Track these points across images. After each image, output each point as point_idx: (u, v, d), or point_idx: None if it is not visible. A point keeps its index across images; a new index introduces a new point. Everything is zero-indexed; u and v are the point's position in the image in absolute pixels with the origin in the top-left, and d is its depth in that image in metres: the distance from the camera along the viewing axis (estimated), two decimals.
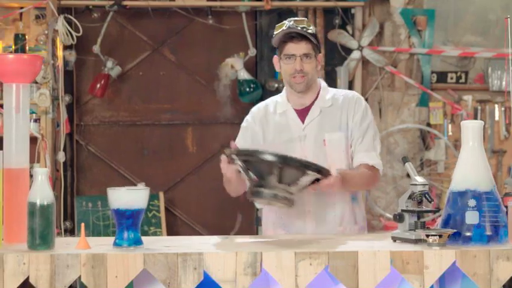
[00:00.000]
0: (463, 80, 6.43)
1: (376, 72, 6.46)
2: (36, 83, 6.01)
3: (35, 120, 6.04)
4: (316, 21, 6.50)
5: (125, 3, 6.27)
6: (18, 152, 2.74)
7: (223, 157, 3.03)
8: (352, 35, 6.38)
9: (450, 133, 6.34)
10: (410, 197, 2.77)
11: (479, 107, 6.38)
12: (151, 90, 6.71)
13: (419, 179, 2.77)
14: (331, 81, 6.37)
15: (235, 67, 6.31)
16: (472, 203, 2.66)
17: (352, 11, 6.43)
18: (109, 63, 6.39)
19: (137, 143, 6.76)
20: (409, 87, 6.41)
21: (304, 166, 2.82)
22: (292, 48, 3.26)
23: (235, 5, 6.39)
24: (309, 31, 3.27)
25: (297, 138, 3.33)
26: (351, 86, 6.37)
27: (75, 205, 6.32)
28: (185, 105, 6.72)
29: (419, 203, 2.75)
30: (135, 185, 6.64)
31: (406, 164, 2.87)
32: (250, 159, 2.85)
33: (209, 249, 2.59)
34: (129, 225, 2.67)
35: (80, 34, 6.03)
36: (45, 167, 5.90)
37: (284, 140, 3.33)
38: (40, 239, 2.60)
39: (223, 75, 6.37)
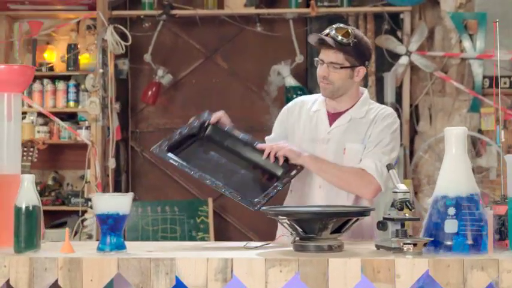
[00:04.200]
0: None
1: (427, 77, 6.36)
2: (87, 91, 6.20)
3: (86, 128, 6.22)
4: (366, 27, 6.46)
5: (173, 12, 6.39)
6: (10, 158, 2.84)
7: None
8: (402, 41, 6.31)
9: (503, 139, 6.15)
10: (392, 205, 2.73)
11: None
12: (205, 98, 6.81)
13: (401, 187, 2.73)
14: (380, 88, 6.32)
15: (282, 74, 6.33)
16: (451, 211, 2.61)
17: (401, 16, 6.36)
18: (160, 72, 6.52)
19: None
20: (461, 93, 6.28)
21: (345, 215, 2.78)
22: (322, 53, 3.26)
23: (283, 12, 6.42)
24: (344, 41, 3.23)
25: (321, 140, 3.33)
26: (399, 92, 6.30)
27: None
28: (237, 111, 6.76)
29: (400, 210, 2.71)
30: (188, 191, 6.78)
31: (390, 171, 2.83)
32: (293, 218, 2.78)
33: (182, 254, 2.62)
34: (112, 230, 2.72)
35: (129, 43, 6.18)
36: (95, 173, 6.08)
37: (309, 139, 3.35)
38: (25, 243, 2.69)
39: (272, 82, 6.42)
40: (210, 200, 6.54)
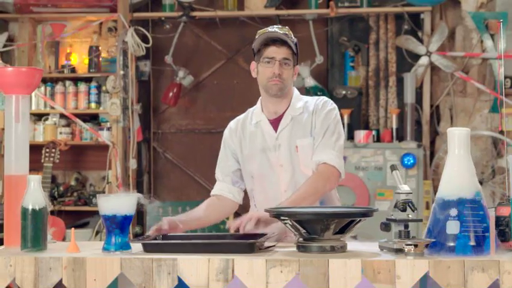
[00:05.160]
0: None
1: (448, 78, 6.33)
2: (108, 92, 6.26)
3: (107, 129, 6.28)
4: (387, 27, 6.44)
5: (194, 13, 6.42)
6: (18, 159, 2.89)
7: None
8: (422, 41, 6.29)
9: None
10: (395, 206, 2.73)
11: None
12: (226, 99, 6.85)
13: (404, 188, 2.73)
14: (400, 89, 6.30)
15: (301, 75, 6.33)
16: (453, 212, 2.60)
17: (422, 16, 6.33)
18: (181, 73, 6.56)
19: (212, 150, 6.85)
20: (482, 93, 6.24)
21: (347, 215, 2.79)
22: (273, 51, 3.26)
23: (303, 13, 6.43)
24: (292, 38, 3.29)
25: (272, 147, 3.34)
26: (419, 93, 6.27)
27: (146, 210, 6.52)
28: None
29: (403, 211, 2.71)
30: (209, 192, 6.79)
31: (394, 172, 2.83)
32: (298, 218, 2.76)
33: (184, 255, 2.64)
34: (117, 231, 2.75)
35: (149, 45, 6.23)
36: (116, 174, 6.13)
37: (259, 150, 3.36)
38: (31, 242, 2.74)
39: None
40: None
